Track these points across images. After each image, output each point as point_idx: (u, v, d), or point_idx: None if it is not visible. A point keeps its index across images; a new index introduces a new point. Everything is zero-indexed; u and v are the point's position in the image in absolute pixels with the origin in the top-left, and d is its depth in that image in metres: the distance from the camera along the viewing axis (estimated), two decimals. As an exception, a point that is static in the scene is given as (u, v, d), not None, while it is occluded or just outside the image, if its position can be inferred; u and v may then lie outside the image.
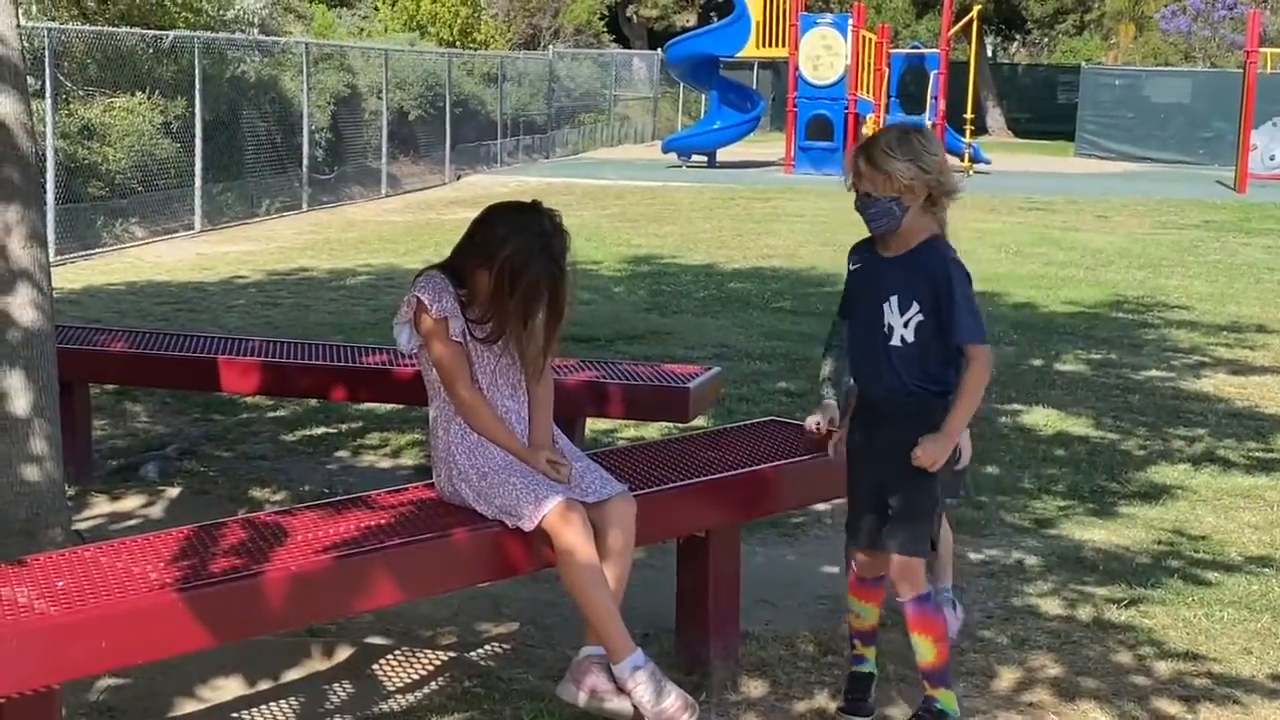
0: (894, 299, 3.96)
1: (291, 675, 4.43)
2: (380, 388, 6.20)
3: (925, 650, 4.05)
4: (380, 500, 4.10)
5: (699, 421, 6.87)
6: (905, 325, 3.94)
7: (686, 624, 4.53)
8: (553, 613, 4.96)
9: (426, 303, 3.99)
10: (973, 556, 5.65)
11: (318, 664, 4.50)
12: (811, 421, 4.74)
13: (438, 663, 4.52)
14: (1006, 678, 4.53)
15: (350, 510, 3.98)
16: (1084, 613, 5.09)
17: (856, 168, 3.96)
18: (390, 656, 4.56)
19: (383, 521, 3.88)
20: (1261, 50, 25.84)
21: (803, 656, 4.64)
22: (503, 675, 4.41)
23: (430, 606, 4.91)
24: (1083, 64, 40.50)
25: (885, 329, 3.98)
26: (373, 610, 4.42)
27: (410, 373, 6.07)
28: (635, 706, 3.84)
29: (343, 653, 4.57)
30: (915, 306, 3.93)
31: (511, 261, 3.94)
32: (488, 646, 4.71)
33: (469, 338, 4.04)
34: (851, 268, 4.17)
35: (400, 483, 5.85)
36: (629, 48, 43.44)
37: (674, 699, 3.81)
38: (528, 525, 3.83)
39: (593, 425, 7.14)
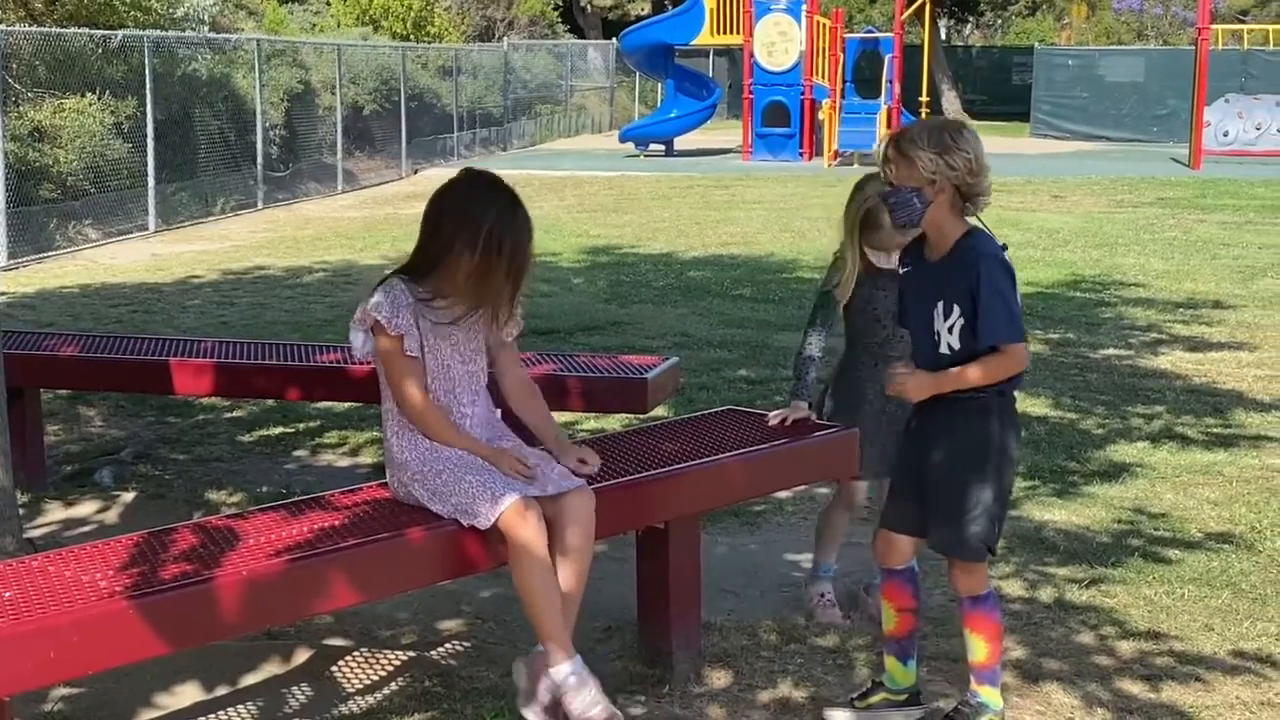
0: (940, 305, 3.90)
1: (250, 679, 4.38)
2: (335, 386, 6.13)
3: (977, 648, 4.02)
4: (335, 500, 4.05)
5: (659, 411, 6.85)
6: (950, 331, 3.88)
7: (648, 616, 4.49)
8: (514, 609, 4.89)
9: (384, 322, 3.90)
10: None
11: (276, 667, 4.46)
12: (776, 417, 4.72)
13: (398, 663, 4.48)
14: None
15: (304, 512, 3.92)
16: (1045, 594, 5.10)
17: (886, 154, 3.90)
18: (349, 658, 4.51)
19: (337, 522, 3.82)
20: (1213, 27, 25.97)
21: (765, 646, 4.62)
22: (463, 674, 4.38)
23: (390, 605, 4.87)
24: (1036, 45, 40.64)
25: (934, 336, 3.93)
26: (329, 612, 4.39)
27: (366, 370, 6.01)
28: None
29: (301, 655, 4.52)
30: (956, 311, 3.86)
31: (497, 229, 3.87)
32: (448, 645, 4.67)
33: (426, 346, 3.97)
34: (901, 271, 4.09)
35: (359, 481, 5.81)
36: (584, 38, 43.33)
37: (600, 711, 3.77)
38: (484, 523, 3.79)
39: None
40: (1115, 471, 6.66)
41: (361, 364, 6.03)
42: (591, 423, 7.39)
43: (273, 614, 3.61)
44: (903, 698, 4.15)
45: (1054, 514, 6.01)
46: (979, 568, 4.02)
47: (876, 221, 4.52)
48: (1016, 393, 4.03)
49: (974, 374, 3.86)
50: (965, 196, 3.86)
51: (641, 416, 6.26)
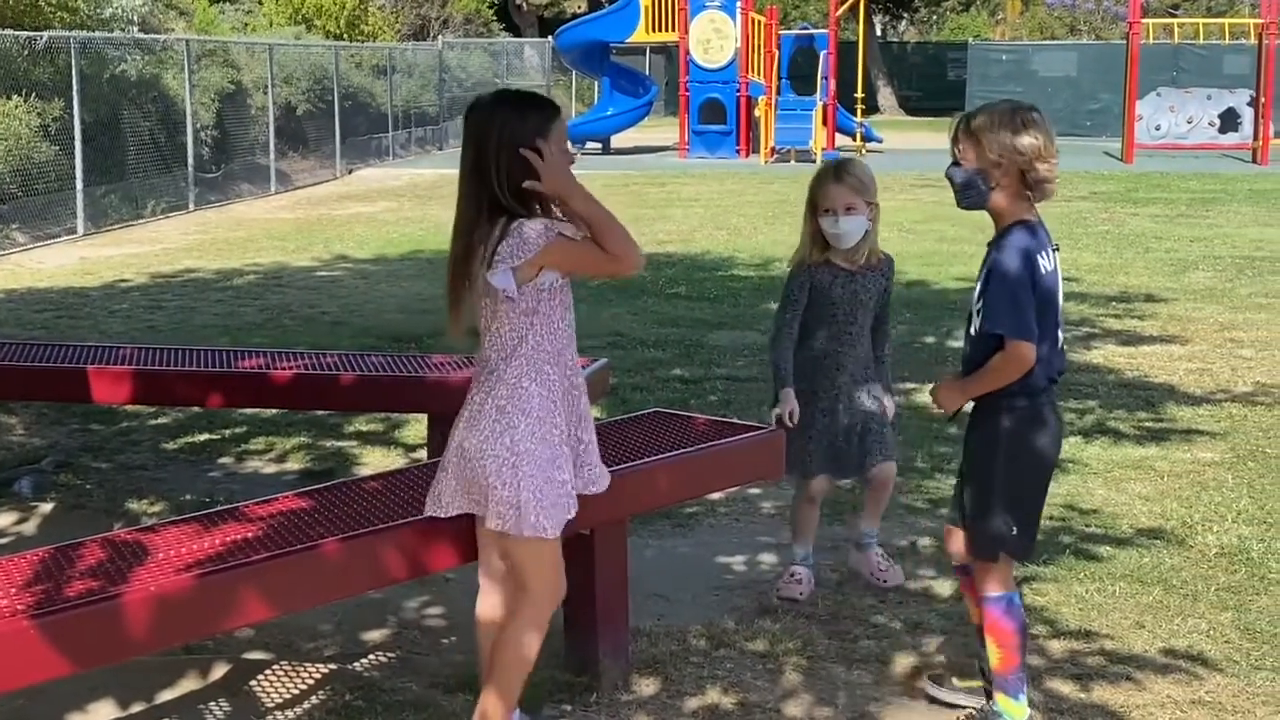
0: (978, 286, 3.88)
1: (167, 695, 4.27)
2: (257, 392, 6.01)
3: (990, 654, 3.96)
4: (250, 512, 3.95)
5: (591, 412, 6.75)
6: (977, 314, 3.85)
7: (574, 624, 4.41)
8: (439, 617, 4.84)
9: (568, 232, 3.76)
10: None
11: (194, 682, 4.34)
12: (775, 415, 4.75)
13: (318, 676, 4.38)
14: (900, 663, 4.47)
15: (218, 524, 3.82)
16: (977, 593, 5.05)
17: (955, 133, 3.87)
18: (269, 671, 4.40)
19: (251, 535, 3.72)
20: (1144, 21, 26.15)
21: (694, 651, 4.56)
22: (385, 686, 4.28)
23: (314, 616, 4.75)
24: (970, 40, 40.89)
25: (969, 317, 3.91)
26: (242, 628, 4.28)
27: (289, 375, 5.91)
28: None
29: (220, 669, 4.41)
30: (982, 295, 3.84)
31: (491, 147, 3.69)
32: (372, 656, 4.57)
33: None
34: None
35: (285, 488, 5.72)
36: (519, 36, 43.17)
37: None
38: (527, 530, 3.58)
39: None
40: (1047, 467, 6.63)
41: (285, 369, 5.94)
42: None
43: (182, 631, 3.50)
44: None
45: (986, 511, 5.98)
46: (992, 567, 3.94)
47: (828, 177, 4.90)
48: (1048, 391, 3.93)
49: (987, 377, 3.83)
50: (1030, 184, 3.79)
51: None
